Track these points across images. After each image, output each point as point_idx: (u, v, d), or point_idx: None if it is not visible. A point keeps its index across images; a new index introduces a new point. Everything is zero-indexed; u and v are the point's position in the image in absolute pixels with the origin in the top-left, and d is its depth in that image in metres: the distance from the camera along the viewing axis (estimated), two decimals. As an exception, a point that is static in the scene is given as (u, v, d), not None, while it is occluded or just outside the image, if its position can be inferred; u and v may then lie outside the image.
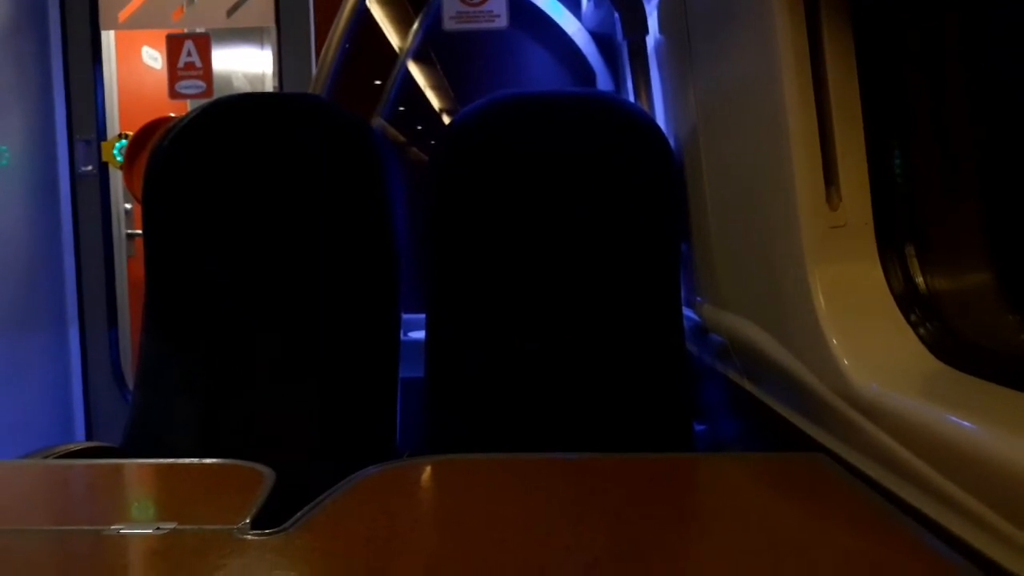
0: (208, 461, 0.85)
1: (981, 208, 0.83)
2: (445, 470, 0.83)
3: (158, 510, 0.77)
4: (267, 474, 0.76)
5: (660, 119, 1.63)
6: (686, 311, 1.38)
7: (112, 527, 0.63)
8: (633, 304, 1.28)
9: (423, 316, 1.34)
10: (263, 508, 0.68)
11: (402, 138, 3.17)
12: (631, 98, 1.76)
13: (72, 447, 1.14)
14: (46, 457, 1.08)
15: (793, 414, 0.94)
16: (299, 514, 0.66)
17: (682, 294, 1.31)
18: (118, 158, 2.32)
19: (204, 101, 1.52)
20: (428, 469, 0.84)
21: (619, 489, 0.75)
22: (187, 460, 0.84)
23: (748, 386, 1.12)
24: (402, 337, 1.41)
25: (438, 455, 0.85)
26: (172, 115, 2.31)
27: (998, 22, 0.80)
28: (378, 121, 2.57)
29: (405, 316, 1.43)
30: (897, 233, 0.86)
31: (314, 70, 2.10)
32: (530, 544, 0.61)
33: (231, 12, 2.22)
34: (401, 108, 2.88)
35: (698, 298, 1.39)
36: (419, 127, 3.36)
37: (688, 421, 1.27)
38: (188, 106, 2.48)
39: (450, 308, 1.32)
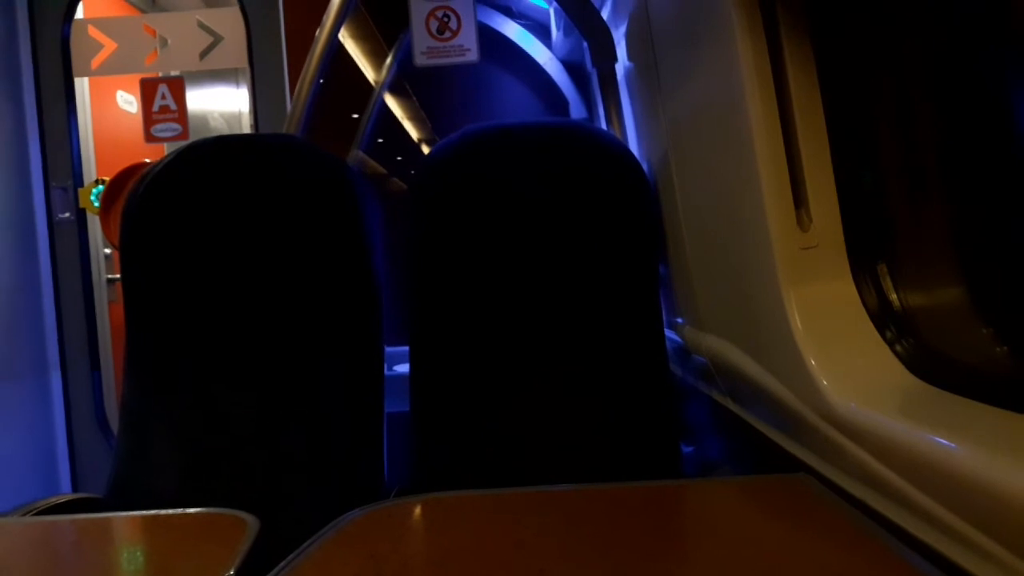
0: (191, 511, 0.84)
1: (951, 223, 0.84)
2: (432, 509, 0.82)
3: (142, 566, 0.76)
4: (251, 522, 0.76)
5: (633, 145, 1.65)
6: (668, 333, 1.38)
7: None
8: (616, 328, 1.29)
9: (407, 349, 1.34)
10: (247, 558, 0.67)
11: (382, 170, 3.17)
12: (603, 124, 1.78)
13: (55, 500, 1.13)
14: (28, 513, 1.07)
15: (777, 434, 0.94)
16: (283, 563, 0.65)
17: (664, 317, 1.32)
18: (95, 204, 2.32)
19: (180, 143, 1.52)
20: (414, 509, 0.84)
21: (609, 520, 0.75)
22: (170, 511, 0.84)
23: (732, 406, 1.13)
24: (387, 372, 1.40)
25: (424, 494, 0.85)
26: (147, 160, 2.31)
27: (962, 34, 0.81)
28: (357, 154, 2.57)
29: (390, 350, 1.43)
30: (869, 252, 0.87)
31: (289, 107, 2.10)
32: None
33: (204, 54, 2.23)
34: (380, 140, 2.89)
35: (679, 320, 1.39)
36: (399, 158, 3.37)
37: (676, 443, 1.27)
38: (165, 149, 2.48)
39: (433, 340, 1.32)
